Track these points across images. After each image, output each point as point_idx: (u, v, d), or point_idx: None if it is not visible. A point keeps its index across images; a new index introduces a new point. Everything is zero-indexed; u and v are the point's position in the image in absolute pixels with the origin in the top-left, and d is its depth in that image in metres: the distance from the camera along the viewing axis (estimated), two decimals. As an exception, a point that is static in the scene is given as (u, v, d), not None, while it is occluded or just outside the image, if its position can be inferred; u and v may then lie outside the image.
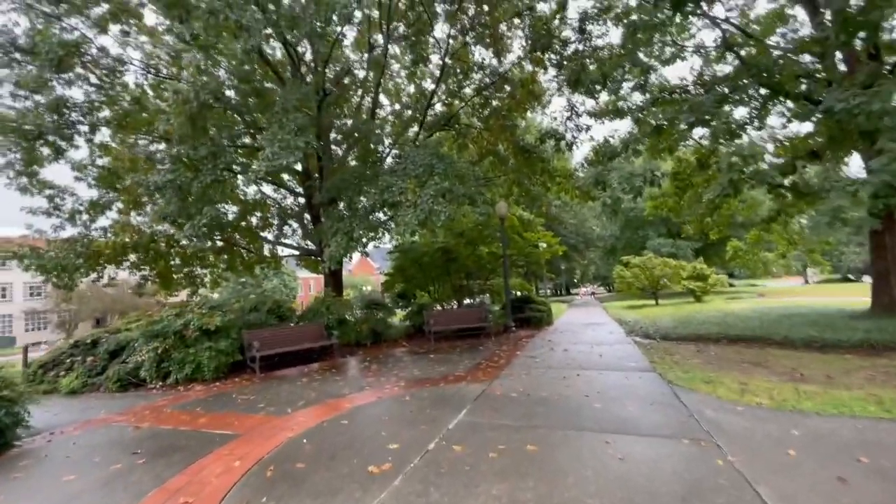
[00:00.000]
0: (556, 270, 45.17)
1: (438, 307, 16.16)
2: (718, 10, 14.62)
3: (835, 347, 8.13)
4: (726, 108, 8.80)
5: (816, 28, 10.32)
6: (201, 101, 8.05)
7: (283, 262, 25.32)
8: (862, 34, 9.48)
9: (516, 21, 10.85)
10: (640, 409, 5.03)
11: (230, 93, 9.15)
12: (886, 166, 5.65)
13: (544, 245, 18.79)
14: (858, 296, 23.06)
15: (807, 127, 13.26)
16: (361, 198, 8.99)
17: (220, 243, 13.25)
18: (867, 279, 51.54)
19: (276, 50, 12.41)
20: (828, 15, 10.69)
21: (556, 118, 12.98)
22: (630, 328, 13.14)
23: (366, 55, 12.42)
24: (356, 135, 11.35)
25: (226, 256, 13.46)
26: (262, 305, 9.94)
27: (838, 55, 11.17)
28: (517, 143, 12.10)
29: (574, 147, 12.79)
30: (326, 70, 11.04)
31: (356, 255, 19.22)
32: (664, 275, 22.53)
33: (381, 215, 9.30)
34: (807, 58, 11.14)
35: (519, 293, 17.34)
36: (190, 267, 14.24)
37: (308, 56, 12.42)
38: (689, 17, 11.14)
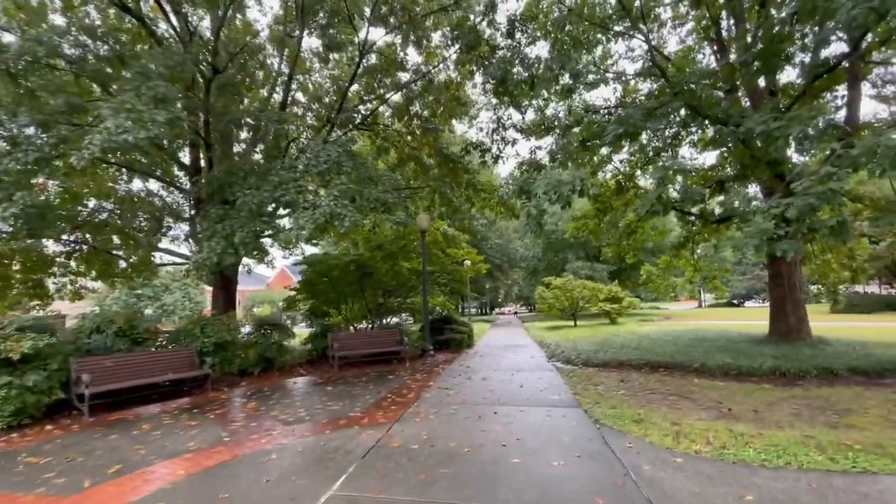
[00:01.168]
0: (480, 289, 45.15)
1: (351, 328, 14.53)
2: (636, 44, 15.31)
3: (749, 375, 7.98)
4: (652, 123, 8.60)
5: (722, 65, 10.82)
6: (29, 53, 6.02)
7: (166, 271, 22.06)
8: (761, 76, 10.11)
9: (444, 21, 10.03)
10: (566, 465, 4.03)
11: (74, 51, 7.12)
12: (809, 189, 5.45)
13: (469, 263, 18.05)
14: (747, 319, 25.40)
15: (711, 160, 13.92)
16: (247, 195, 7.36)
17: (82, 246, 10.59)
18: (749, 304, 58.33)
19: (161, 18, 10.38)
20: (733, 56, 11.32)
21: (482, 129, 12.27)
22: (551, 352, 12.58)
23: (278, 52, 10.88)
24: (261, 125, 9.65)
25: (74, 263, 10.78)
26: (109, 325, 7.71)
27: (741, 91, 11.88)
28: (441, 151, 11.15)
29: (500, 160, 12.16)
30: (218, 44, 9.27)
31: (278, 266, 16.86)
32: (583, 297, 22.89)
33: (278, 218, 7.69)
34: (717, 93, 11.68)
35: (441, 313, 16.27)
36: (40, 274, 11.26)
37: (207, 27, 10.55)
38: (616, 37, 11.13)
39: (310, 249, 18.22)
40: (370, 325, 14.03)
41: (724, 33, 12.27)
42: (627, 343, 12.94)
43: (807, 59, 10.05)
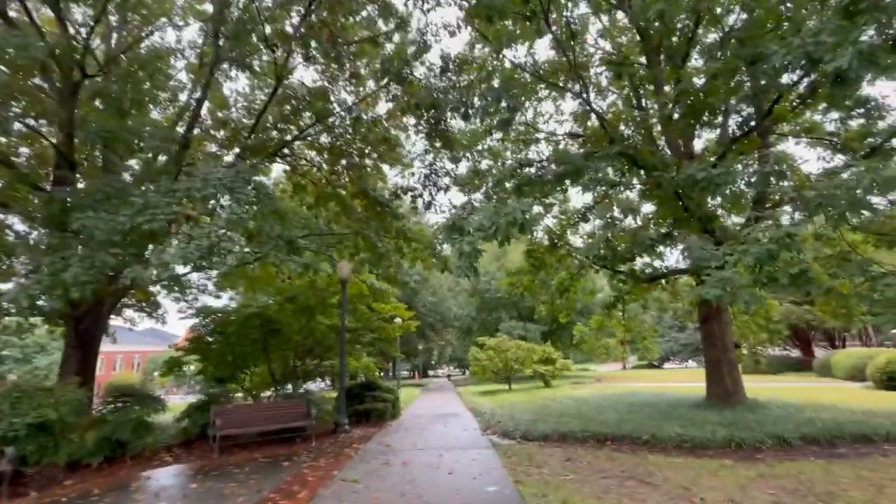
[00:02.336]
0: (412, 351, 42.77)
1: (251, 398, 12.06)
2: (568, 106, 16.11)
3: (704, 448, 7.12)
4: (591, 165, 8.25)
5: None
6: None
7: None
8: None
9: (374, 52, 9.35)
10: None
11: None
12: (768, 234, 4.98)
13: (399, 320, 16.43)
14: (674, 381, 25.80)
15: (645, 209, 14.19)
16: (92, 219, 5.55)
17: None
18: (667, 365, 61.24)
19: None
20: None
21: (413, 174, 11.45)
22: (486, 422, 11.10)
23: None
24: (146, 147, 7.93)
25: None
26: None
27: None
28: (366, 192, 10.01)
29: (432, 207, 11.24)
30: (89, 42, 7.67)
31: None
32: (517, 358, 21.90)
33: (138, 253, 5.85)
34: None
35: (363, 378, 14.29)
36: None
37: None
38: (550, 88, 11.16)
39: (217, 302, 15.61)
40: (273, 394, 11.69)
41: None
42: (566, 410, 11.85)
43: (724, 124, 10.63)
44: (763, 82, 6.46)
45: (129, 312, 15.08)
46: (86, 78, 7.42)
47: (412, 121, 10.04)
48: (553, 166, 6.76)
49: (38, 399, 6.52)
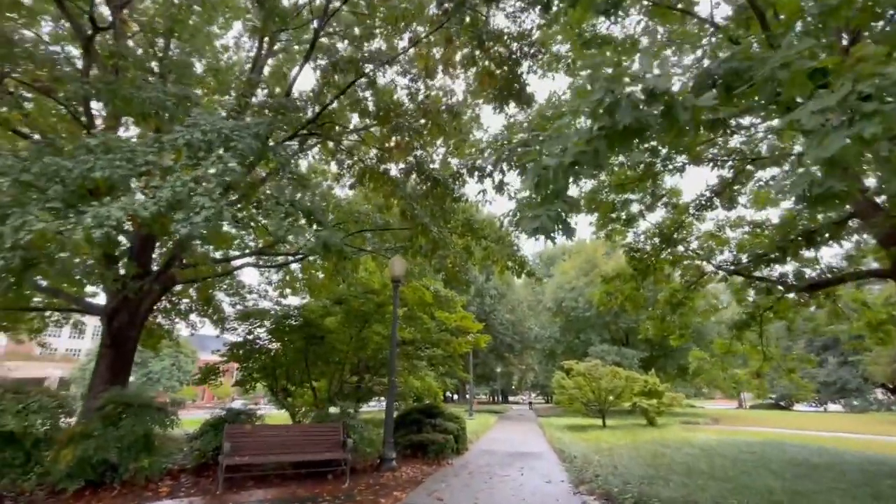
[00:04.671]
0: (489, 374, 39.81)
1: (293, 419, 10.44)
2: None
3: None
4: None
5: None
6: None
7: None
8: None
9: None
10: None
11: None
12: None
13: (470, 337, 14.03)
14: (829, 429, 19.69)
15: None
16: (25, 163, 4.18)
17: None
18: (798, 407, 50.63)
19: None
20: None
21: (481, 149, 9.30)
22: (578, 472, 8.22)
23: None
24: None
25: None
26: None
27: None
28: (421, 166, 8.02)
29: (504, 190, 8.91)
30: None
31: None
32: (613, 388, 18.21)
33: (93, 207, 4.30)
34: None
35: (423, 401, 12.13)
36: None
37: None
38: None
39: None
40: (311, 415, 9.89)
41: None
42: (694, 466, 8.50)
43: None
44: None
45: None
46: (97, 32, 6.50)
47: (472, 71, 7.91)
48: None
49: (4, 403, 5.26)
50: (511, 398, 70.28)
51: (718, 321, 27.33)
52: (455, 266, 7.78)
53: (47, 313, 12.51)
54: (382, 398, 17.14)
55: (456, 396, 44.35)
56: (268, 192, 5.46)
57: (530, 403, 50.48)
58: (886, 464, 9.29)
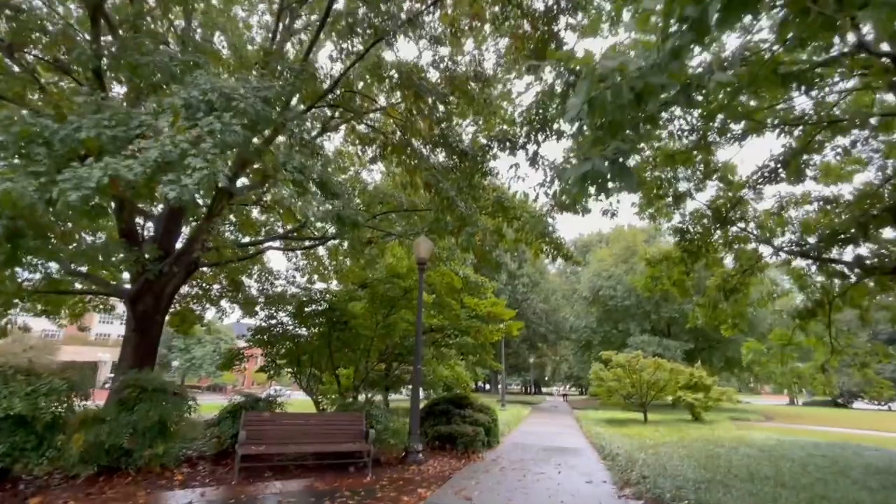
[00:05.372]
0: (522, 364, 38.96)
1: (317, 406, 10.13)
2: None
3: None
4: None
5: None
6: None
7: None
8: None
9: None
10: None
11: None
12: None
13: (503, 325, 13.30)
14: (887, 429, 17.73)
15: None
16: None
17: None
18: (859, 405, 46.93)
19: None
20: None
21: (514, 118, 8.58)
22: (622, 472, 7.45)
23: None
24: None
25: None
26: None
27: None
28: (445, 138, 7.35)
29: (538, 163, 8.12)
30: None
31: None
32: (656, 381, 17.06)
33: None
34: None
35: (453, 390, 11.58)
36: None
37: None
38: None
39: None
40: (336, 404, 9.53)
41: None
42: (755, 468, 7.55)
43: None
44: None
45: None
46: (105, -2, 6.19)
47: (502, 34, 7.12)
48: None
49: (17, 386, 5.06)
50: (544, 389, 69.14)
51: (774, 311, 25.37)
52: (484, 244, 7.10)
53: (87, 298, 12.80)
54: (422, 388, 16.87)
55: (488, 386, 43.81)
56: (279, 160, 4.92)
57: (565, 395, 49.29)
58: None
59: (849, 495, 5.79)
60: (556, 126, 7.50)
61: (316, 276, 15.57)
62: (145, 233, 10.03)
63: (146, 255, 8.09)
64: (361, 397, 10.70)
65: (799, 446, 10.63)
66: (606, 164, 2.39)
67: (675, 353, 25.43)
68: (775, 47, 3.59)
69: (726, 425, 16.61)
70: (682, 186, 10.56)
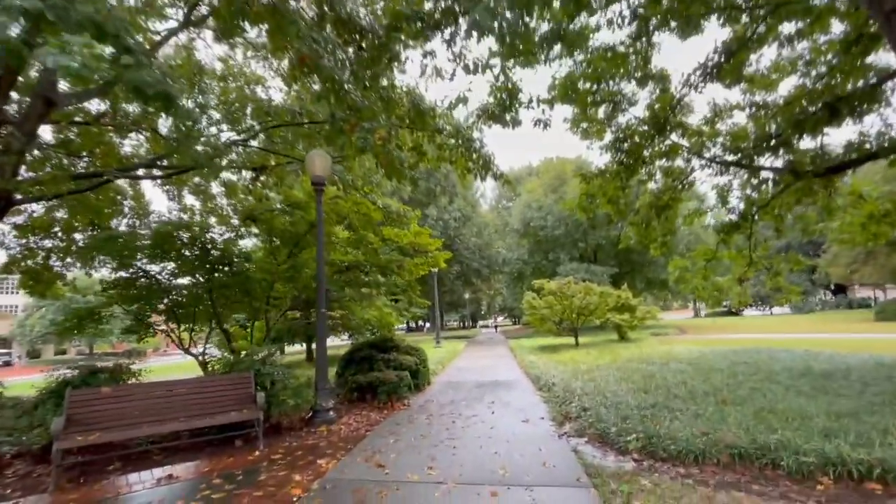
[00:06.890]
0: (458, 301, 39.10)
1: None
2: None
3: None
4: None
5: None
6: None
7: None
8: None
9: None
10: None
11: None
12: None
13: (427, 254, 11.88)
14: (790, 331, 19.73)
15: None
16: None
17: None
18: (749, 312, 53.87)
19: None
20: None
21: None
22: (560, 405, 6.77)
23: None
24: None
25: None
26: None
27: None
28: (349, 18, 5.36)
29: (462, 59, 6.44)
30: None
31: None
32: (587, 305, 17.16)
33: None
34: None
35: (375, 332, 10.37)
36: None
37: None
38: None
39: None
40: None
41: None
42: (693, 385, 7.23)
43: None
44: None
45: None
46: None
47: None
48: None
49: None
50: (480, 323, 71.80)
51: (692, 232, 26.66)
52: (387, 146, 5.46)
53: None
54: (348, 333, 15.33)
55: (429, 325, 43.88)
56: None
57: (496, 327, 50.91)
58: (869, 361, 8.49)
59: (792, 406, 5.44)
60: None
61: (214, 219, 13.11)
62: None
63: None
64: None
65: (721, 356, 10.93)
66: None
67: (602, 277, 26.35)
68: None
69: (650, 342, 17.37)
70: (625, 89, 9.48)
